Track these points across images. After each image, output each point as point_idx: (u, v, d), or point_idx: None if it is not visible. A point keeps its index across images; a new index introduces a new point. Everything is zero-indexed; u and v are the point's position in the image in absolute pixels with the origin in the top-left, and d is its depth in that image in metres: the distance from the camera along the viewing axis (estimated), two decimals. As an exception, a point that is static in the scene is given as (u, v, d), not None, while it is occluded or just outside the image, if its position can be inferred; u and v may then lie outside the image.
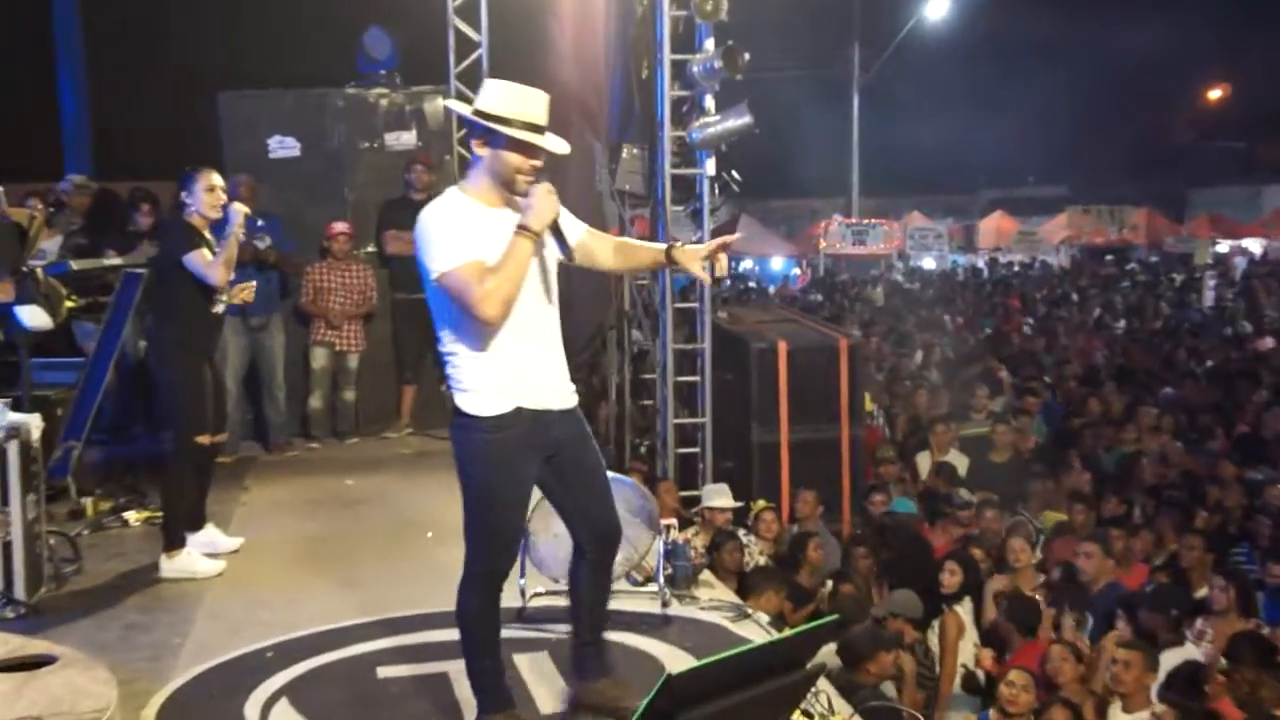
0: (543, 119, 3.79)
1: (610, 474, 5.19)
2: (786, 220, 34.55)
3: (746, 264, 31.43)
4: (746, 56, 7.55)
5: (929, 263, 31.38)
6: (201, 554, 6.00)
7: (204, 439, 5.95)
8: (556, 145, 3.85)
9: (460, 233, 3.72)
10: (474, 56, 10.00)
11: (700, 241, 8.49)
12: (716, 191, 8.51)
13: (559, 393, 3.97)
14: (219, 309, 6.05)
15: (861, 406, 9.00)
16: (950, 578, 6.81)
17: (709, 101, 7.94)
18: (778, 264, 31.44)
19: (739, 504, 7.76)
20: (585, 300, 9.41)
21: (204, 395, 5.93)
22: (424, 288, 3.81)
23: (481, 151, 3.79)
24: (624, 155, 8.67)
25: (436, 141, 9.68)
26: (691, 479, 8.53)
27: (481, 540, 3.87)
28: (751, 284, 27.54)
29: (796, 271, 30.62)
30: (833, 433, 8.63)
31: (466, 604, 3.91)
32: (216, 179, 5.96)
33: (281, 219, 8.74)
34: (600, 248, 4.14)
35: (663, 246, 4.13)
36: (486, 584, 3.90)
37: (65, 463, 7.00)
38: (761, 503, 7.98)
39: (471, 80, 10.07)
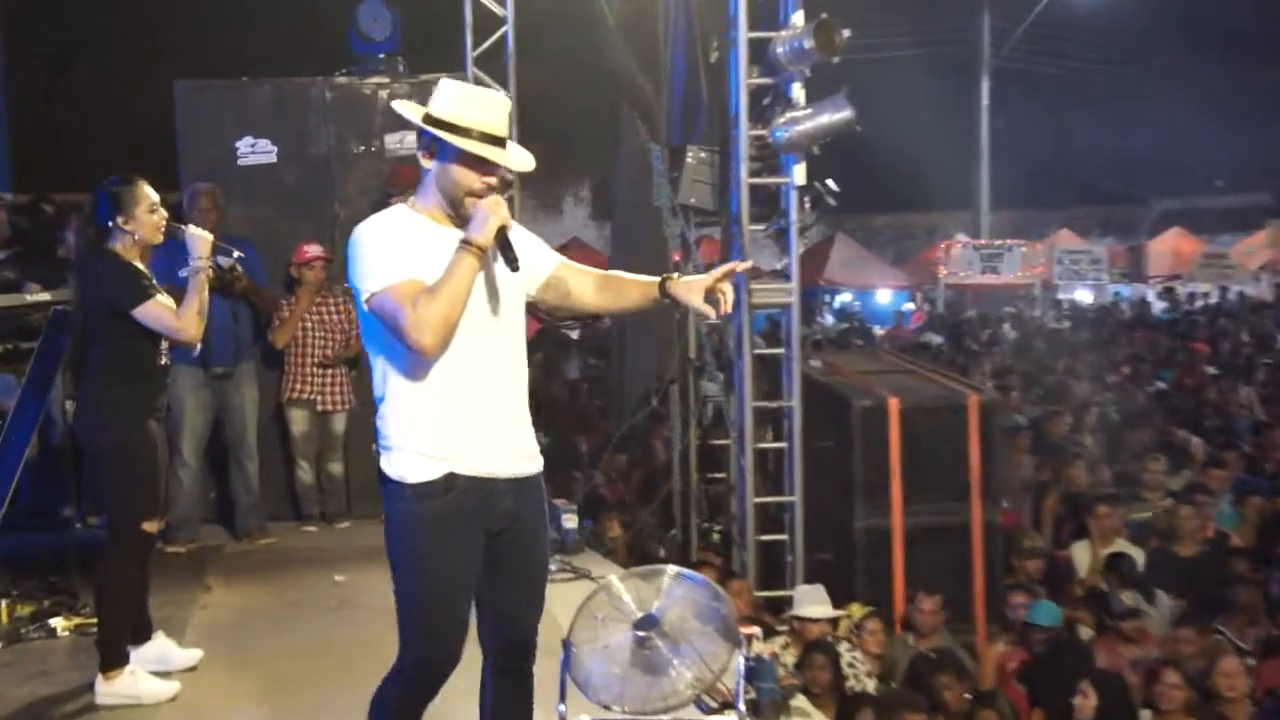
0: (503, 129, 4.03)
1: (674, 569, 5.26)
2: (896, 241, 34.59)
3: (844, 298, 31.42)
4: (846, 33, 7.63)
5: (1083, 295, 31.19)
6: (149, 672, 6.04)
7: (151, 526, 5.94)
8: (518, 160, 4.12)
9: (398, 249, 3.93)
10: (497, 35, 10.14)
11: (787, 269, 8.56)
12: (807, 205, 8.57)
13: (512, 455, 4.11)
14: (165, 360, 6.09)
15: (997, 482, 8.98)
16: (1084, 702, 6.75)
17: (797, 91, 8.02)
18: (884, 297, 31.36)
19: (839, 613, 7.74)
20: (642, 347, 9.49)
21: (154, 468, 5.93)
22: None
23: (427, 164, 4.05)
24: (689, 160, 8.74)
25: (450, 142, 9.71)
26: (777, 575, 8.53)
27: (412, 628, 4.03)
28: (853, 323, 27.52)
29: (909, 307, 30.53)
30: (961, 516, 8.66)
31: (381, 698, 4.11)
32: (154, 193, 5.93)
33: (253, 243, 8.85)
34: (579, 284, 4.34)
35: (656, 280, 4.27)
36: (415, 679, 4.06)
37: (-25, 554, 7.09)
38: (856, 608, 7.94)
39: (494, 65, 10.21)
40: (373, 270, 3.89)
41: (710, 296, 4.14)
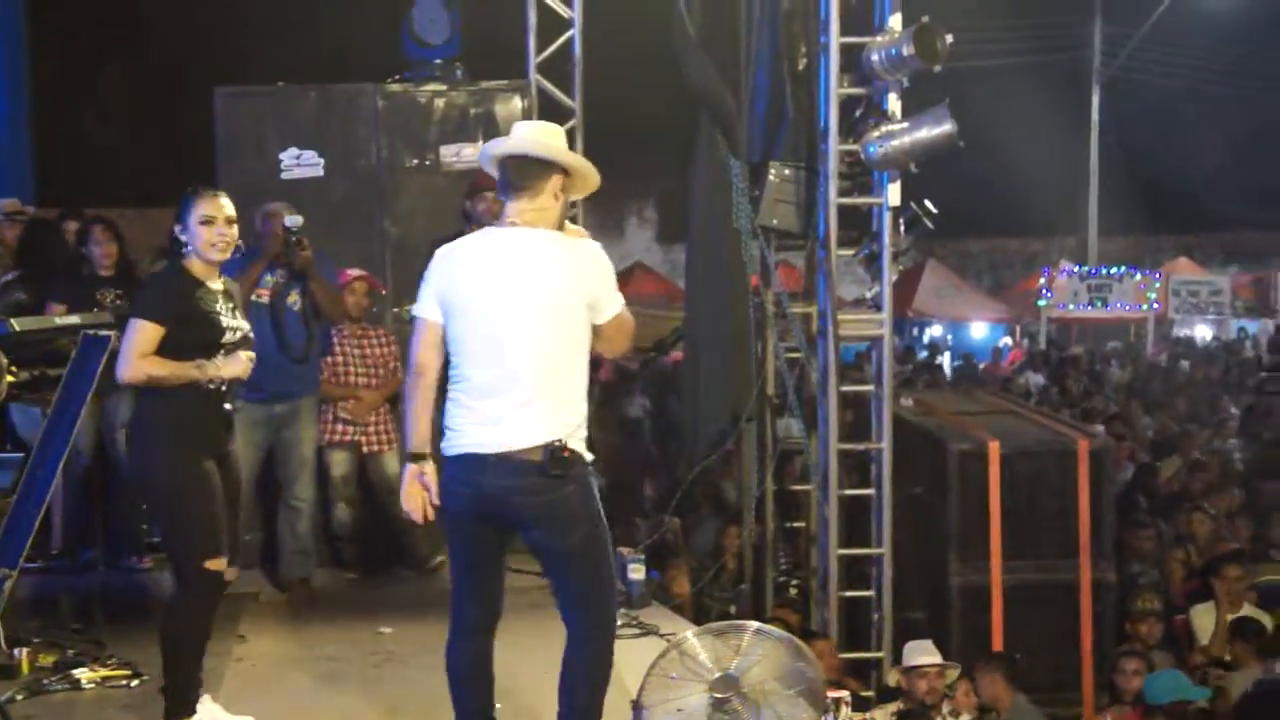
0: None
1: (755, 625, 5.34)
2: (992, 269, 34.45)
3: (935, 330, 31.33)
4: (949, 39, 7.65)
5: (1203, 330, 30.94)
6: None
7: (218, 564, 5.92)
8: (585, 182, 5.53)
9: None
10: (563, 39, 10.25)
11: (878, 299, 8.57)
12: (901, 229, 8.58)
13: None
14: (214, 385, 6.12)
15: (1109, 536, 8.95)
16: None
17: (893, 102, 8.04)
18: (979, 331, 31.25)
19: (951, 665, 7.76)
20: (715, 383, 9.48)
21: (213, 502, 5.92)
22: (558, 315, 5.12)
23: (559, 200, 5.31)
24: (771, 178, 8.76)
25: (511, 155, 9.79)
26: (861, 634, 8.51)
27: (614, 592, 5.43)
28: (950, 359, 27.42)
29: (1007, 342, 30.40)
30: (1068, 573, 8.66)
31: (608, 653, 5.28)
32: (224, 206, 5.98)
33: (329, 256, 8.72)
34: None
35: None
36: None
37: (-8, 599, 7.14)
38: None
39: (558, 72, 10.32)
40: (615, 287, 5.28)
41: None
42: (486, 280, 5.17)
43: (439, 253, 5.45)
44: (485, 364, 5.12)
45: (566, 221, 5.36)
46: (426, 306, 5.36)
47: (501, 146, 5.34)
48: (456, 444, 5.17)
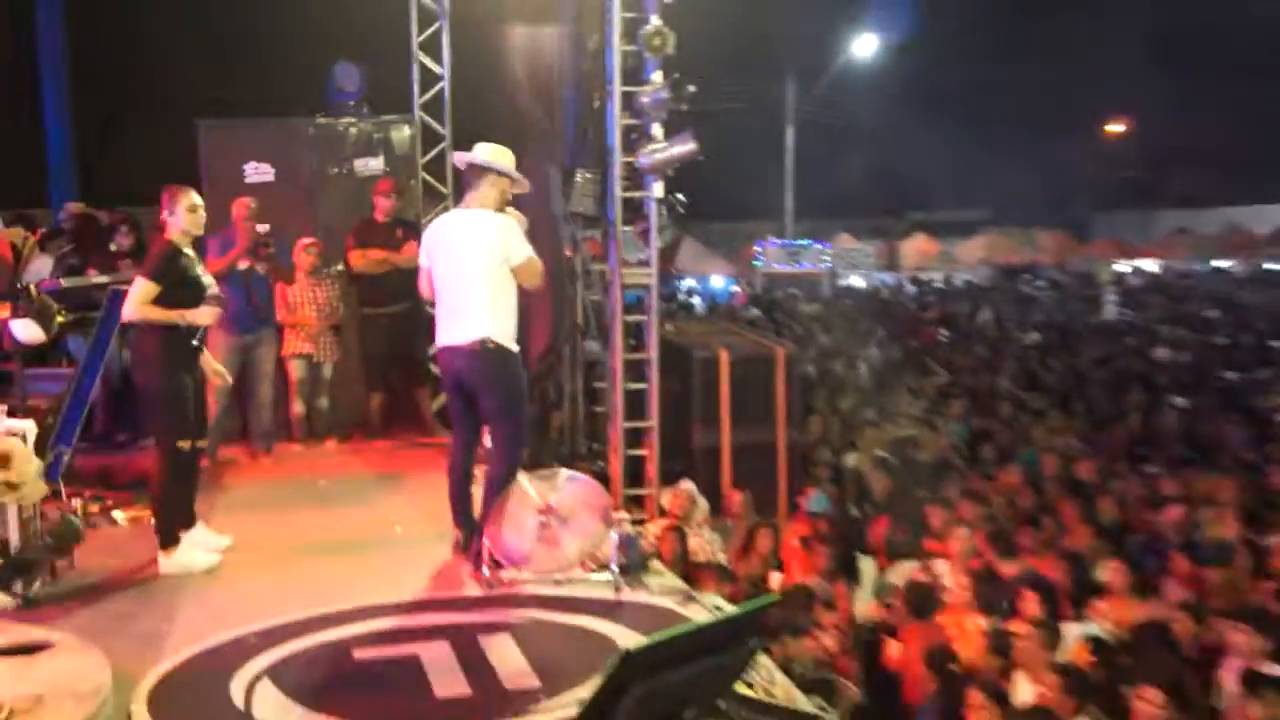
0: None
1: (566, 471, 5.40)
2: (726, 241, 34.74)
3: (689, 282, 31.55)
4: (692, 89, 7.69)
5: (857, 281, 31.70)
6: (194, 549, 6.00)
7: (185, 444, 5.95)
8: (520, 184, 5.89)
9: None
10: (437, 88, 10.07)
11: (648, 259, 8.63)
12: (663, 213, 8.61)
13: None
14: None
15: (798, 411, 9.17)
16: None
17: (656, 130, 8.03)
18: (718, 282, 31.60)
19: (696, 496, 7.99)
20: (541, 316, 9.46)
21: (184, 404, 5.94)
22: (487, 262, 5.62)
23: (493, 190, 5.76)
24: (578, 180, 8.72)
25: (403, 166, 9.81)
26: (639, 479, 8.62)
27: (524, 428, 5.79)
28: (695, 299, 27.70)
29: (736, 289, 30.79)
30: (770, 436, 8.81)
31: (502, 479, 5.56)
32: (196, 198, 6.03)
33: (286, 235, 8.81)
34: None
35: None
36: (520, 459, 5.73)
37: (56, 467, 6.91)
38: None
39: (435, 110, 10.14)
40: (525, 244, 5.69)
41: None
42: (448, 240, 5.76)
43: (432, 224, 6.14)
44: (449, 293, 5.71)
45: (510, 208, 5.84)
46: (422, 257, 5.92)
47: (466, 156, 5.85)
48: (439, 341, 5.79)
